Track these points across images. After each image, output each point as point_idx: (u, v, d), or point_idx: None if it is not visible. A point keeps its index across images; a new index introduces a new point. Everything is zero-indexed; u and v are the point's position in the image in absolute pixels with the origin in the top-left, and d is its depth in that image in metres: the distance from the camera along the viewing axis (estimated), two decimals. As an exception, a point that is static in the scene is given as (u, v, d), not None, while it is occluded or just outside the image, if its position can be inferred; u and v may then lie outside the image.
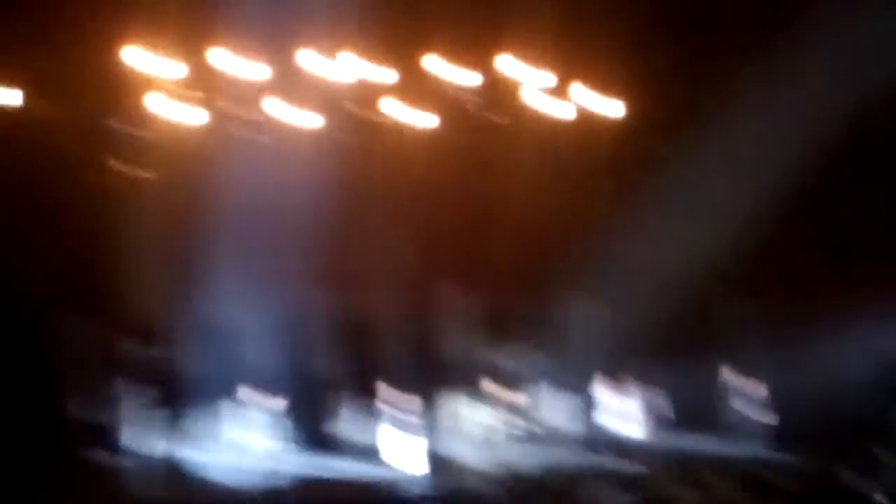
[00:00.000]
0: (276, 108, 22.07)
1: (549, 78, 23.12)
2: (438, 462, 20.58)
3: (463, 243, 23.33)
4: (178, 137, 21.84)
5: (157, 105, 21.40)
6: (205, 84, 21.47)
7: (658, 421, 20.24)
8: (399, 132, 23.18)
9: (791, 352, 21.41)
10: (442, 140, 23.52)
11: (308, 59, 21.52)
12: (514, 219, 23.48)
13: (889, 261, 21.41)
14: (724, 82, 22.60)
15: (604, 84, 23.65)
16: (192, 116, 21.71)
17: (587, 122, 23.65)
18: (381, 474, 19.00)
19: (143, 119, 21.63)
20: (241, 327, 22.30)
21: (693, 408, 20.25)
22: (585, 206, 23.57)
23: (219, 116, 21.94)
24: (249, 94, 21.78)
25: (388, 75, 22.17)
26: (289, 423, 19.63)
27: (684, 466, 17.96)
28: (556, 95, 23.31)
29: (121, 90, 21.31)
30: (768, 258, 23.58)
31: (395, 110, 23.05)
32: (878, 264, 21.61)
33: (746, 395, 20.45)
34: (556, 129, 23.70)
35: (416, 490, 17.96)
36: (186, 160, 21.89)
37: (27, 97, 20.80)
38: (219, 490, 18.63)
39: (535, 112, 23.57)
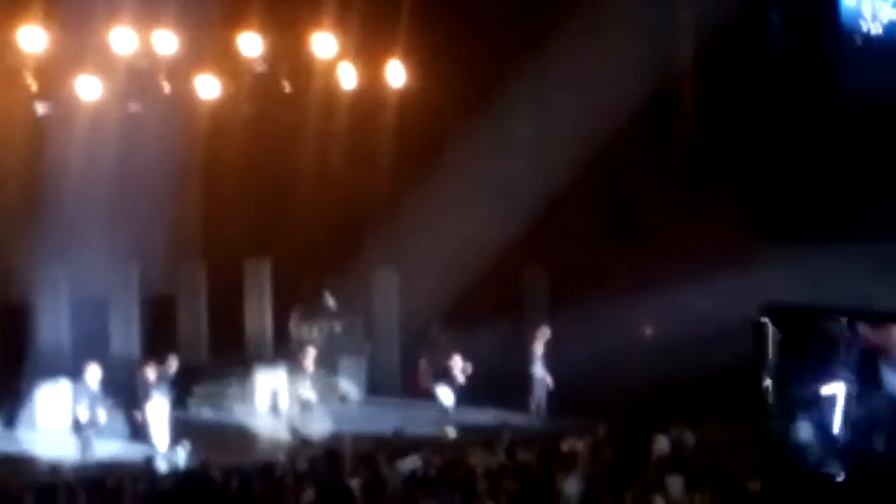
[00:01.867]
0: (85, 85, 21.75)
1: (341, 51, 23.16)
2: (231, 433, 20.57)
3: (263, 216, 23.29)
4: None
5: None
6: (13, 61, 21.00)
7: (461, 388, 20.53)
8: (192, 104, 22.98)
9: (583, 319, 21.92)
10: (232, 111, 23.39)
11: (116, 36, 21.17)
12: (313, 192, 23.52)
13: (674, 232, 22.07)
14: (513, 56, 22.97)
15: (393, 57, 23.81)
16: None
17: (379, 95, 23.78)
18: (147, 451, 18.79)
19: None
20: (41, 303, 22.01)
21: (494, 375, 20.57)
22: (381, 178, 23.78)
23: (26, 94, 21.54)
24: (57, 70, 21.39)
25: (172, 45, 21.91)
26: (86, 403, 19.28)
27: (486, 433, 18.29)
28: (348, 68, 23.37)
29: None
30: (558, 228, 24.13)
31: (190, 83, 22.86)
32: (663, 235, 22.26)
33: (543, 361, 20.87)
34: (348, 102, 23.78)
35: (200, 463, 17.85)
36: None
37: None
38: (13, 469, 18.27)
39: (329, 85, 23.63)
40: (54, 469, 17.72)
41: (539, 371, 21.02)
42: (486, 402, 20.52)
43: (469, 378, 20.56)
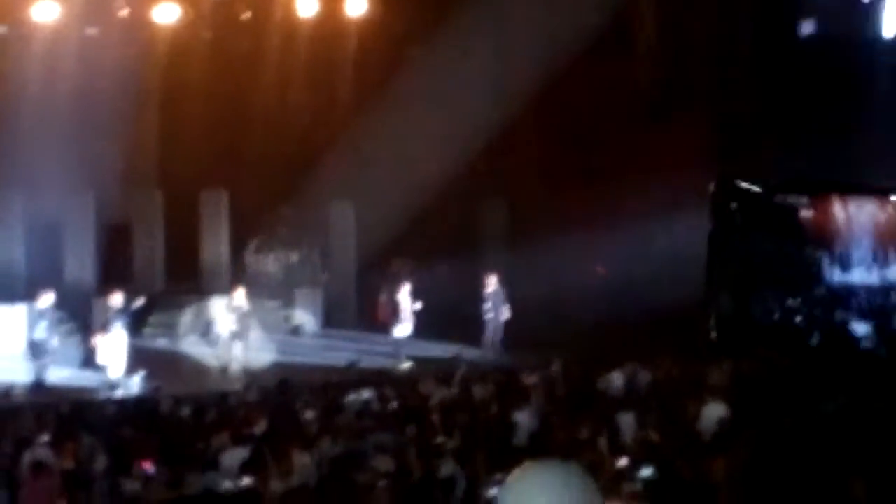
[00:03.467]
0: (42, 7, 21.47)
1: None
2: (185, 363, 20.50)
3: (220, 145, 23.09)
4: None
5: None
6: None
7: (416, 322, 20.49)
8: (150, 29, 22.71)
9: (539, 256, 21.92)
10: (191, 38, 23.13)
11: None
12: (270, 121, 23.34)
13: (633, 168, 22.05)
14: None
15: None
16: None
17: (338, 24, 23.56)
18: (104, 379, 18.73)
19: None
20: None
21: (448, 309, 20.53)
22: (338, 109, 23.61)
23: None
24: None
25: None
26: (40, 328, 19.15)
27: (442, 367, 18.28)
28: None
29: None
30: (517, 162, 24.06)
31: (149, 7, 22.59)
32: (621, 171, 22.24)
33: (498, 297, 20.84)
34: (307, 31, 23.56)
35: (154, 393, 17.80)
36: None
37: None
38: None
39: (288, 13, 23.39)
40: (7, 393, 17.65)
41: (492, 306, 20.97)
42: (442, 335, 20.50)
43: (426, 312, 20.53)
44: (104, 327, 19.13)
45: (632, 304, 20.57)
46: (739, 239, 20.84)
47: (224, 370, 19.91)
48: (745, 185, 20.69)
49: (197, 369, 20.26)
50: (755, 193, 20.71)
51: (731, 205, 20.90)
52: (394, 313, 20.61)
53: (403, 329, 20.60)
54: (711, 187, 20.80)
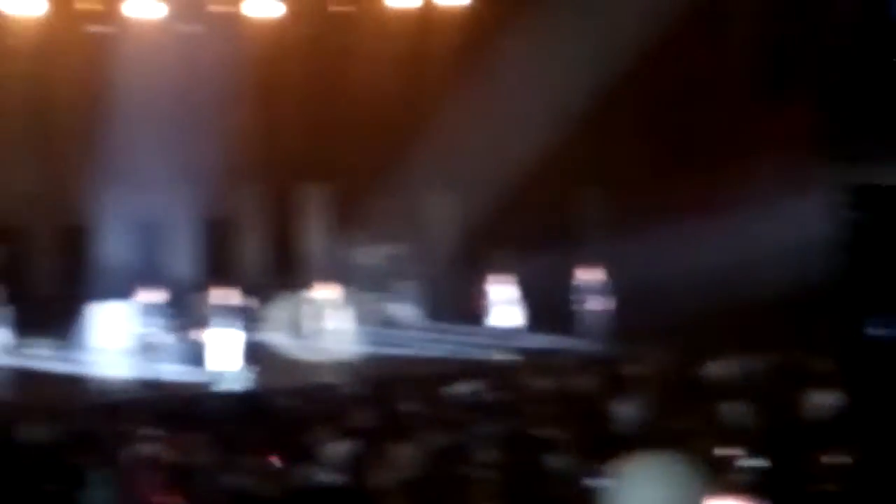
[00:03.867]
0: (141, 5, 21.76)
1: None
2: (287, 357, 20.64)
3: (320, 139, 23.21)
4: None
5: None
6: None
7: (515, 313, 20.45)
8: (249, 25, 22.89)
9: (640, 244, 21.73)
10: (289, 32, 23.27)
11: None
12: (369, 114, 23.40)
13: (731, 157, 21.80)
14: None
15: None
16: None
17: (434, 16, 23.58)
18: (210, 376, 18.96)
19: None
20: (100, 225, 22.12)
21: (548, 300, 20.46)
22: (436, 100, 23.59)
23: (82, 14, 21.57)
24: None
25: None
26: (143, 325, 19.42)
27: (541, 357, 18.23)
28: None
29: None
30: (616, 146, 23.89)
31: (246, 3, 22.77)
32: (721, 161, 21.99)
33: (599, 288, 20.72)
34: (404, 23, 23.61)
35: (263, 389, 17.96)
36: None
37: None
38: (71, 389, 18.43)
39: (385, 6, 23.47)
40: (115, 388, 17.90)
41: (590, 296, 20.85)
42: (542, 326, 20.43)
43: (525, 302, 20.47)
44: (209, 322, 19.35)
45: (736, 292, 20.29)
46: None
47: (324, 364, 20.02)
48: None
49: (298, 363, 20.38)
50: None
51: (860, 193, 20.46)
52: (488, 304, 20.59)
53: (499, 319, 20.56)
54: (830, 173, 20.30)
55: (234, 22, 22.80)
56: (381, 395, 16.14)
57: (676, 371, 16.41)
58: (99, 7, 21.79)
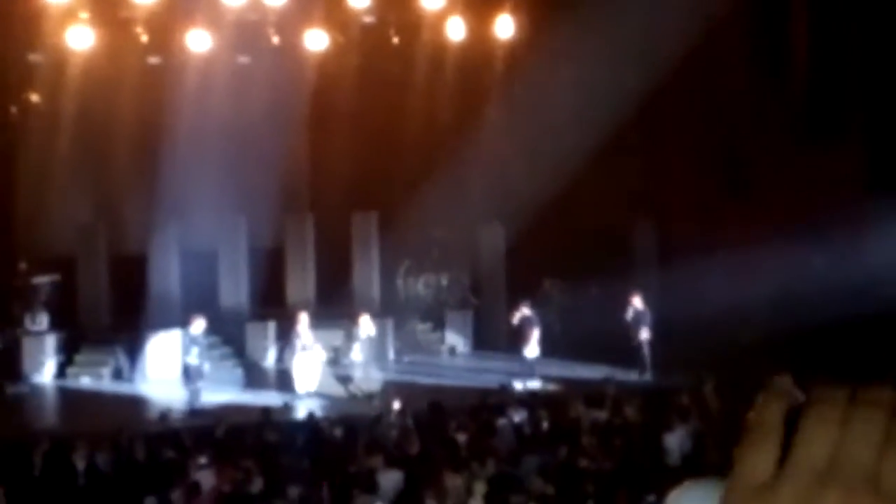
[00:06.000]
0: (195, 37, 22.01)
1: (450, 4, 23.09)
2: (339, 387, 20.73)
3: (370, 168, 23.32)
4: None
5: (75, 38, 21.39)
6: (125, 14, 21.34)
7: (564, 343, 20.41)
8: (300, 56, 23.08)
9: (691, 275, 21.67)
10: (340, 63, 23.42)
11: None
12: (419, 144, 23.50)
13: (784, 187, 21.72)
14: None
15: (502, 10, 23.69)
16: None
17: (487, 48, 23.67)
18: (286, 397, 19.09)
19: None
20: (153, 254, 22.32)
21: (598, 330, 20.40)
22: (487, 131, 23.67)
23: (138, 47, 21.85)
24: (168, 23, 21.68)
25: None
26: (195, 353, 19.54)
27: (593, 388, 18.17)
28: (456, 21, 23.29)
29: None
30: (668, 183, 23.87)
31: (299, 35, 22.96)
32: (773, 191, 21.93)
33: (649, 317, 20.66)
34: (456, 55, 23.72)
35: (324, 412, 18.01)
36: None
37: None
38: (125, 417, 18.56)
39: (437, 37, 23.57)
40: (164, 416, 18.02)
41: (637, 326, 20.80)
42: (593, 356, 20.39)
43: (575, 332, 20.44)
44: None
45: (786, 323, 20.20)
46: None
47: (375, 393, 20.05)
48: None
49: (349, 392, 20.44)
50: None
51: None
52: (537, 333, 20.59)
53: (531, 350, 20.57)
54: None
55: (289, 53, 22.99)
56: (431, 424, 16.16)
57: (726, 400, 16.35)
58: (156, 39, 22.03)
